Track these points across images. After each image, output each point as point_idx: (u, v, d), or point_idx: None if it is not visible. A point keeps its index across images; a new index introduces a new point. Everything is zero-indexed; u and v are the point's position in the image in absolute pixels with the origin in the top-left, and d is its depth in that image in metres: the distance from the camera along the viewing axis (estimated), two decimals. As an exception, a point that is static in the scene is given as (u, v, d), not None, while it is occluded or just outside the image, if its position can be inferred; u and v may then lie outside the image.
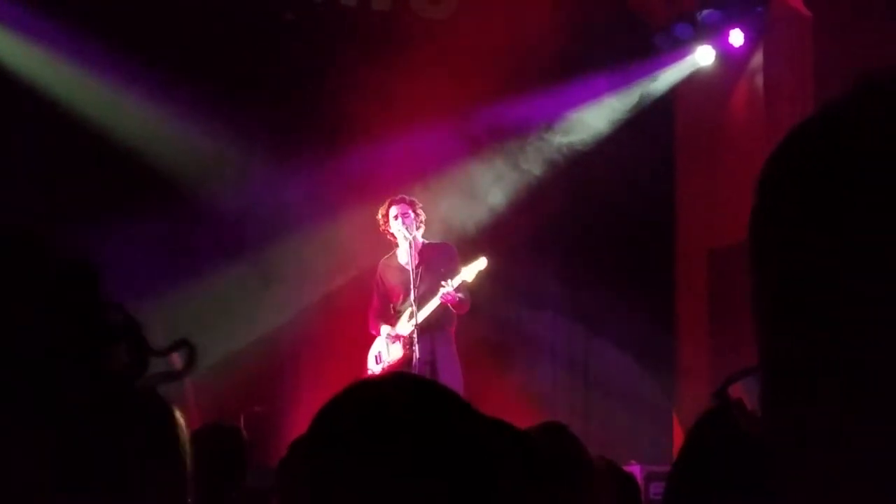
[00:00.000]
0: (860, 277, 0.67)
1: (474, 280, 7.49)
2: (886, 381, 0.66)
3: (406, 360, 7.40)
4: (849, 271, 0.68)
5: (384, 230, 7.54)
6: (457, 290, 7.34)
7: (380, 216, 7.53)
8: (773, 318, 0.73)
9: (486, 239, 8.62)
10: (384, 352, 7.58)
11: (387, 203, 7.52)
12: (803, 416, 0.70)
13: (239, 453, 3.81)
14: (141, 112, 8.18)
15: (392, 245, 7.63)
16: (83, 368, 0.99)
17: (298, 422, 7.04)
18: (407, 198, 7.56)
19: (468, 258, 7.61)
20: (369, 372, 7.61)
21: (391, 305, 7.61)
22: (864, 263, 0.67)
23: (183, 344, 1.09)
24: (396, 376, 1.39)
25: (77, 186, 7.97)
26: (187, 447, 1.15)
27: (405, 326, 7.48)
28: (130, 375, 1.02)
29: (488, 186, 9.12)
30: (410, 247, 7.38)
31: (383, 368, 7.52)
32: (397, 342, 7.49)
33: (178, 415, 1.15)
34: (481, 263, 7.51)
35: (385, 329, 7.54)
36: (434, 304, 7.35)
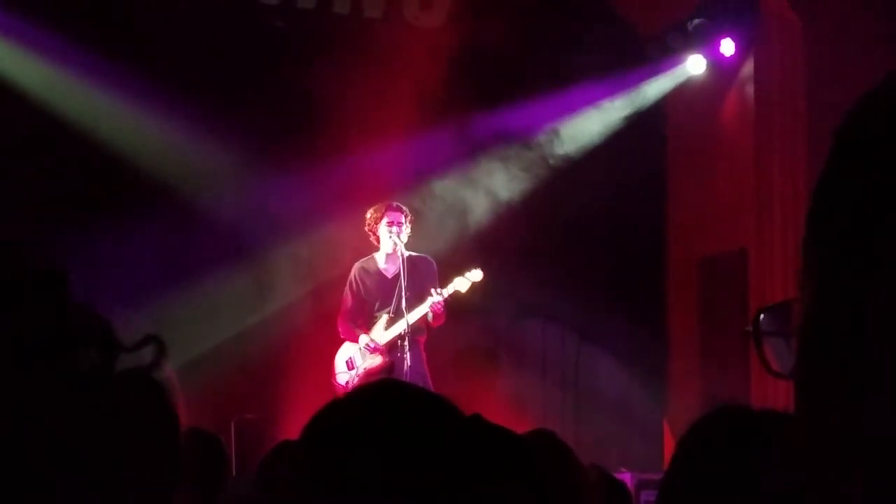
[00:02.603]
0: (874, 285, 0.67)
1: (467, 291, 7.50)
2: None
3: (386, 367, 7.39)
4: (862, 278, 0.67)
5: (369, 231, 7.55)
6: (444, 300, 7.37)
7: (369, 216, 7.54)
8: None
9: (476, 246, 8.62)
10: (357, 357, 7.56)
11: (381, 207, 7.53)
12: (814, 419, 0.70)
13: (219, 461, 3.76)
14: (135, 119, 8.18)
15: (371, 248, 7.64)
16: (53, 369, 0.99)
17: (289, 429, 7.03)
18: (402, 206, 7.57)
19: (461, 266, 7.62)
20: (339, 377, 7.58)
21: (366, 310, 7.61)
22: (880, 271, 0.67)
23: (151, 340, 1.09)
24: (387, 383, 1.40)
25: (71, 193, 7.97)
26: (179, 442, 1.14)
27: (381, 334, 7.48)
28: (100, 373, 1.02)
29: (479, 194, 9.12)
30: (401, 256, 7.38)
31: (359, 375, 7.49)
32: (376, 352, 7.48)
33: (173, 409, 1.15)
34: (476, 275, 7.51)
35: (364, 339, 7.53)
36: (421, 311, 7.35)
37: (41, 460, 0.96)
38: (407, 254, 7.43)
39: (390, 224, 7.46)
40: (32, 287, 1.03)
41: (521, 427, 2.60)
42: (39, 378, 0.99)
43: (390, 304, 7.46)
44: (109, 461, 1.00)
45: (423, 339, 7.54)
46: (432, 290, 7.34)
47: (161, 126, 8.21)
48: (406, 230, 7.49)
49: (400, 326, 7.33)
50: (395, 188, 8.18)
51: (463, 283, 7.46)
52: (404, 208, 7.57)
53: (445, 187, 8.98)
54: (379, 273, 7.59)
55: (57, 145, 7.94)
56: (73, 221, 7.65)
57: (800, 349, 0.73)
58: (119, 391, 1.03)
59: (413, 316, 7.32)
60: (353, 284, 7.64)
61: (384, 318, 7.47)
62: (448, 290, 7.39)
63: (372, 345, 7.47)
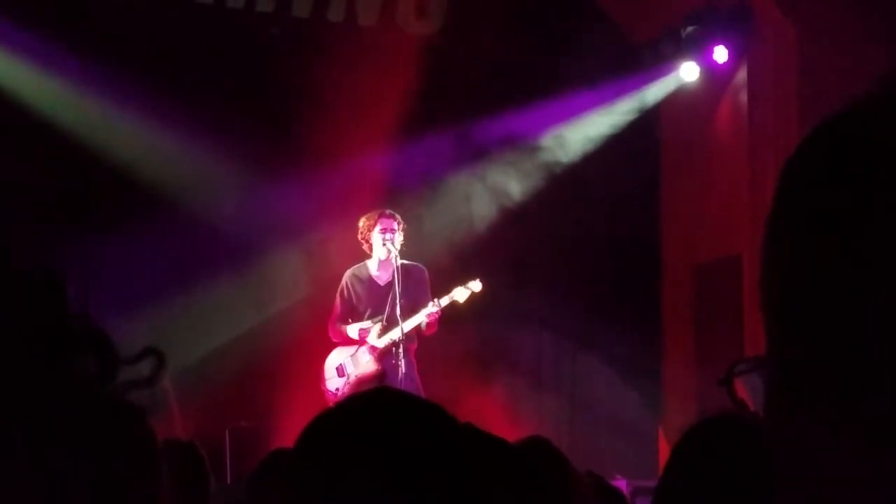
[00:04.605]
0: (874, 285, 0.67)
1: (465, 301, 7.52)
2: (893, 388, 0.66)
3: (378, 374, 7.40)
4: (862, 277, 0.68)
5: (363, 238, 7.56)
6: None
7: (362, 224, 7.56)
8: (783, 318, 0.73)
9: (470, 254, 8.63)
10: (349, 364, 7.56)
11: (374, 214, 7.55)
12: (809, 418, 0.70)
13: (199, 471, 3.72)
14: (132, 127, 8.18)
15: (363, 255, 7.66)
16: (49, 378, 0.99)
17: (284, 437, 7.02)
18: (395, 214, 7.58)
19: (454, 273, 7.62)
20: (328, 383, 7.58)
21: (355, 316, 7.62)
22: (879, 270, 0.67)
23: (151, 352, 1.09)
24: (381, 391, 1.40)
25: (68, 199, 7.97)
26: (158, 455, 1.15)
27: (375, 341, 7.49)
28: (98, 384, 1.02)
29: (473, 202, 9.13)
30: (396, 261, 7.39)
31: (350, 382, 7.49)
32: (366, 354, 7.48)
33: (149, 422, 1.15)
34: (476, 286, 7.53)
35: (352, 329, 7.50)
36: (417, 320, 7.36)
37: (35, 460, 0.96)
38: (402, 261, 7.44)
39: (383, 231, 7.48)
40: (30, 289, 1.03)
41: (515, 434, 2.60)
42: (36, 379, 0.99)
43: (383, 312, 7.47)
44: (103, 467, 1.00)
45: (413, 346, 7.55)
46: (432, 301, 7.36)
47: (157, 133, 8.22)
48: (399, 237, 7.51)
49: (394, 334, 7.34)
50: (391, 195, 8.19)
51: (461, 293, 7.49)
52: (397, 216, 7.59)
53: (440, 194, 8.99)
54: (371, 280, 7.60)
55: (55, 152, 7.94)
56: (71, 228, 7.65)
57: (782, 346, 0.73)
58: (84, 403, 1.03)
59: (409, 324, 7.34)
60: (345, 291, 7.66)
61: (377, 325, 7.48)
62: (446, 301, 7.41)
63: (364, 327, 7.47)
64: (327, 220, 8.50)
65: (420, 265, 7.70)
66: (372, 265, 7.63)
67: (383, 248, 7.46)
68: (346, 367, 7.56)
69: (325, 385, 7.60)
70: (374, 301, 7.55)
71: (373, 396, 1.36)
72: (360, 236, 7.59)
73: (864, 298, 0.67)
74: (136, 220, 7.89)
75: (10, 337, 0.99)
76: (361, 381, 7.42)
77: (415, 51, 8.64)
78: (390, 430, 1.26)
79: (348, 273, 7.70)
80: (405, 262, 7.52)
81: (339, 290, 7.70)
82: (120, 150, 8.15)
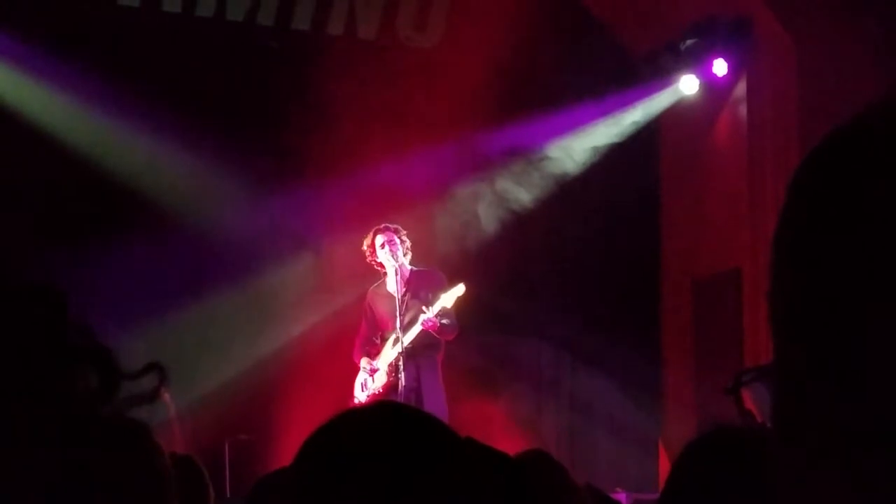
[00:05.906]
0: (875, 292, 0.67)
1: (454, 305, 7.50)
2: None
3: (391, 386, 7.41)
4: (863, 285, 0.68)
5: (371, 261, 7.56)
6: (439, 315, 7.34)
7: (366, 247, 7.55)
8: (789, 325, 0.74)
9: (471, 266, 8.62)
10: (369, 380, 7.60)
11: (371, 233, 7.55)
12: (810, 423, 0.70)
13: (198, 485, 3.70)
14: (130, 141, 8.19)
15: (381, 274, 7.64)
16: (50, 392, 0.99)
17: (284, 450, 7.02)
18: (391, 225, 7.58)
19: (450, 284, 7.63)
20: (356, 400, 7.62)
21: (379, 333, 7.62)
22: (880, 278, 0.67)
23: (154, 367, 1.09)
24: (379, 405, 1.39)
25: (68, 213, 7.98)
26: (166, 467, 1.14)
27: (390, 353, 7.49)
28: (99, 398, 1.02)
29: (474, 213, 9.14)
30: (397, 274, 7.39)
31: (368, 396, 7.52)
32: (379, 372, 7.50)
33: (153, 436, 1.14)
34: (459, 289, 7.54)
35: (364, 362, 7.54)
36: (416, 330, 7.36)
37: (39, 474, 0.96)
38: (414, 268, 7.47)
39: (384, 245, 7.48)
40: (30, 305, 1.03)
41: (516, 447, 2.59)
42: (39, 394, 0.99)
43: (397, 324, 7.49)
44: (110, 483, 1.00)
45: (438, 356, 7.53)
46: (423, 308, 7.37)
47: (158, 146, 8.23)
48: (403, 245, 7.51)
49: (399, 346, 7.36)
50: (390, 208, 8.18)
51: (448, 298, 7.49)
52: (392, 226, 7.58)
53: (440, 206, 8.99)
54: (389, 295, 7.59)
55: (58, 166, 7.95)
56: (72, 242, 7.65)
57: (785, 352, 0.74)
58: (85, 418, 1.03)
59: (408, 336, 7.34)
60: (368, 311, 7.66)
61: (393, 337, 7.50)
62: (435, 308, 7.40)
63: (368, 368, 7.50)
64: (330, 233, 8.51)
65: (433, 269, 7.70)
66: (390, 281, 7.62)
67: (390, 263, 7.47)
68: (367, 382, 7.59)
69: (353, 402, 7.63)
70: (394, 315, 7.55)
71: (370, 412, 1.36)
72: (368, 260, 7.58)
73: (866, 305, 0.68)
74: (137, 234, 7.89)
75: (11, 352, 0.99)
76: (377, 394, 7.45)
77: (414, 64, 8.66)
78: (387, 444, 1.26)
79: (370, 291, 7.72)
80: (415, 268, 7.55)
81: (362, 309, 7.71)
82: (122, 163, 8.16)
